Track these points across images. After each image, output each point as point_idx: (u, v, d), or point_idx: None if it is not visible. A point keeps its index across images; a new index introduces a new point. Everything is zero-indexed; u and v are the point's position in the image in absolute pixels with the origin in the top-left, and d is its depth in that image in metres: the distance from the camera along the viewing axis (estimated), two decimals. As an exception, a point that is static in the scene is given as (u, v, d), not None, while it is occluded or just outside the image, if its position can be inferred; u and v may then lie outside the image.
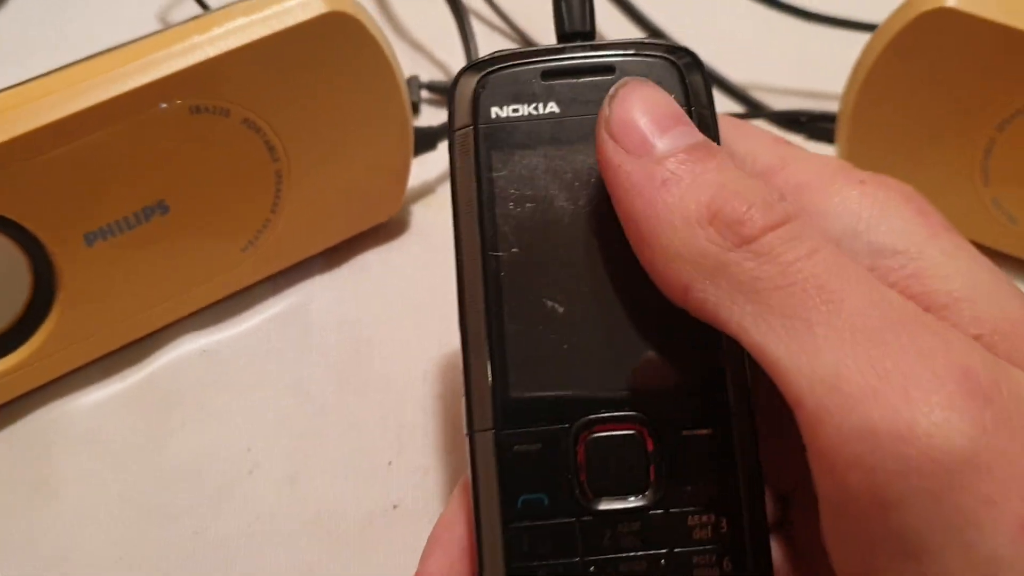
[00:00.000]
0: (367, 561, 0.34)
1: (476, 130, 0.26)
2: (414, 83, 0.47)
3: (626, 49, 0.27)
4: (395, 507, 0.35)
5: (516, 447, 0.25)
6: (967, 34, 0.37)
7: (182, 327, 0.39)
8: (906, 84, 0.40)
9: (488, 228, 0.26)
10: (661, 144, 0.24)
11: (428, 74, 0.50)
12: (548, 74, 0.27)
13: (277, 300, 0.41)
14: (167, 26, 0.35)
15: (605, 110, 0.25)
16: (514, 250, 0.26)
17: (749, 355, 0.23)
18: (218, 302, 0.40)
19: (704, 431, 0.25)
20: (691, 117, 0.26)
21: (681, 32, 0.49)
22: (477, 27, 0.51)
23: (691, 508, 0.25)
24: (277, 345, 0.39)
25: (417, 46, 0.52)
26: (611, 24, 0.50)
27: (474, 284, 0.26)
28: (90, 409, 0.37)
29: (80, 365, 0.38)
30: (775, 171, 0.27)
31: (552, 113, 0.26)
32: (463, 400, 0.26)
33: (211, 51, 0.34)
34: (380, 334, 0.40)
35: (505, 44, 0.51)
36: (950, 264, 0.24)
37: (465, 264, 0.26)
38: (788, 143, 0.29)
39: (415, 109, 0.46)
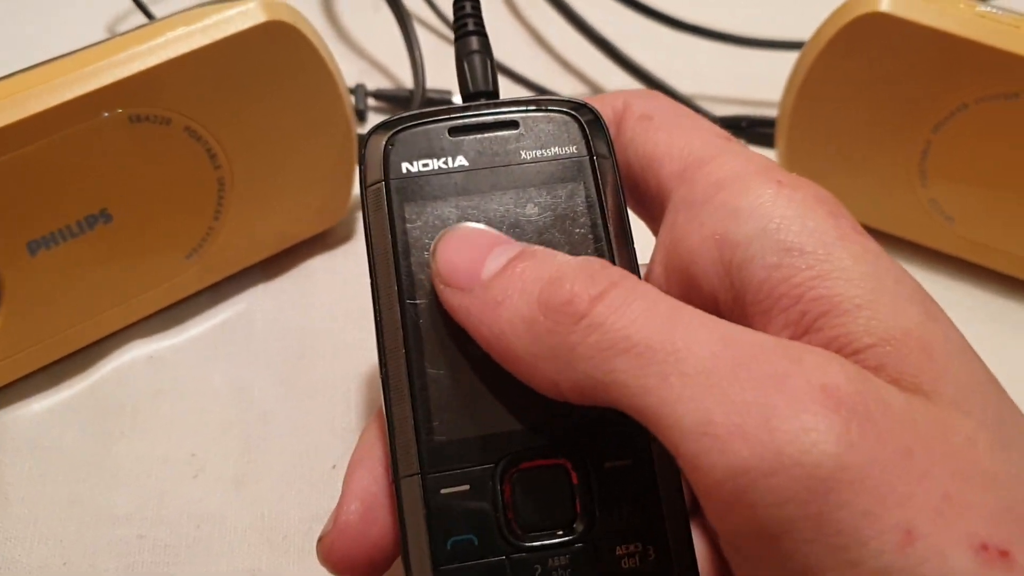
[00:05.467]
0: (311, 564, 0.33)
1: (388, 185, 0.27)
2: (360, 91, 0.47)
3: (529, 106, 0.28)
4: (339, 510, 0.35)
5: (443, 490, 0.25)
6: (900, 38, 0.38)
7: (128, 334, 0.39)
8: (842, 87, 0.40)
9: (404, 278, 0.26)
10: (485, 271, 0.25)
11: (375, 82, 0.50)
12: (455, 130, 0.27)
13: (223, 307, 0.41)
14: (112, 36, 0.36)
15: (432, 265, 0.26)
16: (431, 298, 0.26)
17: None
18: (164, 309, 0.40)
19: (625, 462, 0.25)
20: (592, 166, 0.27)
21: (630, 47, 0.50)
22: (422, 34, 0.51)
23: (618, 539, 0.25)
24: (223, 351, 0.40)
25: (364, 55, 0.52)
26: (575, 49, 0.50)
27: (393, 334, 0.26)
28: (37, 416, 0.37)
29: (26, 373, 0.38)
30: (702, 164, 0.27)
31: (461, 166, 0.27)
32: (388, 447, 0.26)
33: (151, 60, 0.34)
34: (324, 340, 0.40)
35: (450, 51, 0.52)
36: (856, 268, 0.24)
37: (384, 314, 0.26)
38: (728, 138, 0.29)
39: (361, 117, 0.47)
